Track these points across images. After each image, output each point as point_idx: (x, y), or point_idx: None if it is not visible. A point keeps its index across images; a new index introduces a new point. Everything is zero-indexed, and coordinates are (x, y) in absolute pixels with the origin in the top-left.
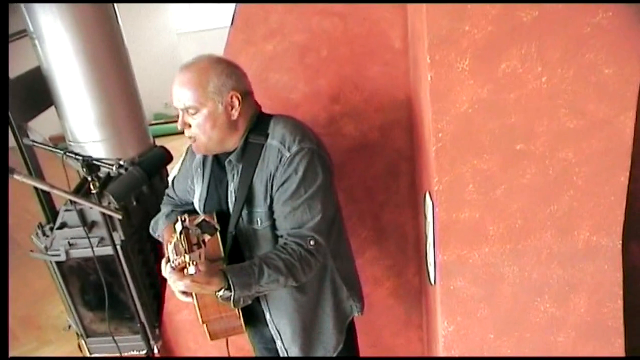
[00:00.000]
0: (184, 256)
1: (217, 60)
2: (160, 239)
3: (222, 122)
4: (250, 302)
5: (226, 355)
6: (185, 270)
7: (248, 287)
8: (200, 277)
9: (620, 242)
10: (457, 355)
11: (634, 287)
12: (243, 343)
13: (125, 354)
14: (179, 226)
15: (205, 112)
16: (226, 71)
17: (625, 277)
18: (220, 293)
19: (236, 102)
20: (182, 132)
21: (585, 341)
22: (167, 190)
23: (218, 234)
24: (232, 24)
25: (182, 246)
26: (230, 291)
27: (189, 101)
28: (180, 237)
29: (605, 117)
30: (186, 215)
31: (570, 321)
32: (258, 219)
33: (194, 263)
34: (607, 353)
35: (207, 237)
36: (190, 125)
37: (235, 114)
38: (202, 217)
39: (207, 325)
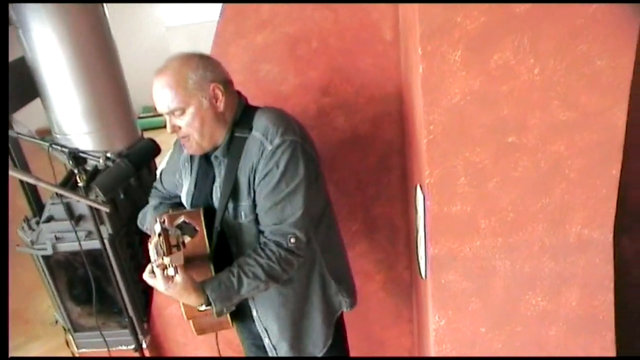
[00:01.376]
0: (163, 258)
1: (189, 56)
2: (148, 232)
3: (210, 116)
4: (234, 308)
5: (216, 350)
6: (165, 271)
7: (228, 300)
8: (177, 290)
9: (612, 235)
10: (448, 349)
11: (625, 280)
12: (232, 337)
13: (114, 349)
14: (157, 227)
15: (192, 110)
16: (201, 64)
17: (616, 271)
18: (202, 308)
19: (219, 93)
20: None
21: (576, 335)
22: (155, 183)
23: (205, 229)
24: (220, 15)
25: (162, 248)
26: (211, 306)
27: (172, 103)
28: (159, 238)
29: (598, 110)
30: (165, 217)
31: (562, 314)
32: (242, 213)
33: (173, 265)
34: (598, 346)
35: (187, 239)
36: (179, 127)
37: (221, 105)
38: (182, 218)
39: (192, 321)
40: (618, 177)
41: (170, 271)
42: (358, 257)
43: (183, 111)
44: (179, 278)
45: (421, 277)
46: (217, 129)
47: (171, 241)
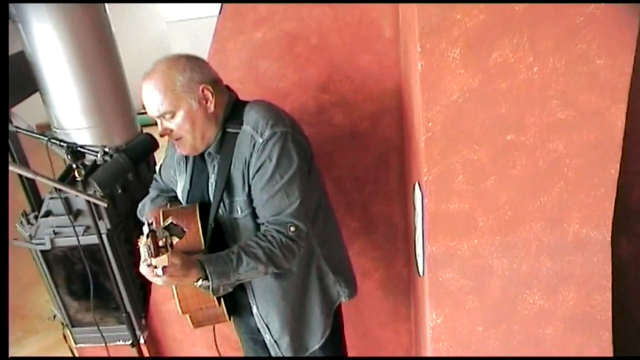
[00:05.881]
0: (152, 259)
1: (176, 58)
2: None
3: (201, 117)
4: (231, 289)
5: (214, 346)
6: (154, 271)
7: (226, 276)
8: (176, 270)
9: (610, 234)
10: (444, 347)
11: (623, 280)
12: (229, 333)
13: (111, 344)
14: (145, 229)
15: (182, 112)
16: (188, 66)
17: (614, 271)
18: (199, 283)
19: (209, 94)
20: None
21: (574, 334)
22: (155, 175)
23: (200, 226)
24: (220, 12)
25: (150, 249)
26: (209, 281)
27: (162, 106)
28: (147, 240)
29: (597, 109)
30: (153, 218)
31: (559, 314)
32: (238, 208)
33: (161, 266)
34: (595, 346)
35: (175, 240)
36: (171, 130)
37: (211, 106)
38: (170, 219)
39: (189, 314)
40: (616, 177)
41: (159, 271)
42: (356, 255)
43: (173, 114)
44: (175, 260)
45: (419, 274)
46: (209, 128)
47: (159, 243)
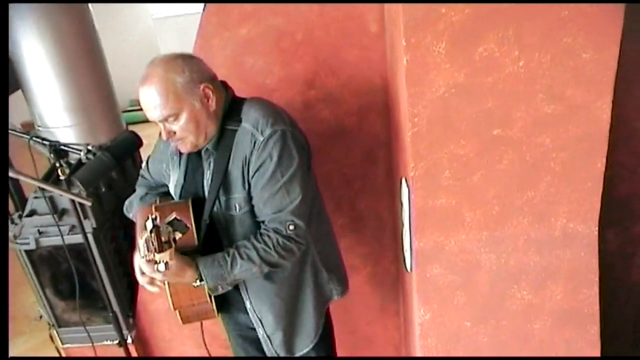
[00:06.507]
0: (154, 255)
1: (172, 60)
2: (134, 220)
3: (204, 116)
4: (230, 288)
5: (202, 344)
6: (155, 266)
7: (221, 278)
8: (172, 271)
9: (597, 228)
10: (433, 343)
11: (610, 274)
12: (218, 331)
13: (98, 344)
14: (149, 224)
15: (185, 114)
16: (186, 66)
17: (601, 264)
18: (196, 283)
19: (210, 92)
20: None
21: (562, 328)
22: (141, 171)
23: (193, 221)
24: (204, 8)
25: (153, 245)
26: (203, 281)
27: (165, 111)
28: (151, 235)
29: (583, 103)
30: (157, 213)
31: (547, 308)
32: (236, 205)
33: (164, 261)
34: (583, 340)
35: (178, 235)
36: (174, 132)
37: (213, 104)
38: (173, 215)
39: (179, 310)
40: (603, 171)
41: (161, 267)
42: (344, 251)
43: (177, 117)
44: (172, 262)
45: (406, 270)
46: (210, 125)
47: (162, 238)
